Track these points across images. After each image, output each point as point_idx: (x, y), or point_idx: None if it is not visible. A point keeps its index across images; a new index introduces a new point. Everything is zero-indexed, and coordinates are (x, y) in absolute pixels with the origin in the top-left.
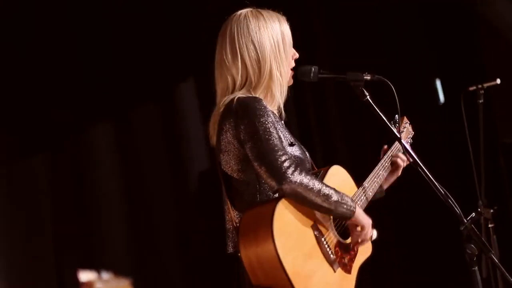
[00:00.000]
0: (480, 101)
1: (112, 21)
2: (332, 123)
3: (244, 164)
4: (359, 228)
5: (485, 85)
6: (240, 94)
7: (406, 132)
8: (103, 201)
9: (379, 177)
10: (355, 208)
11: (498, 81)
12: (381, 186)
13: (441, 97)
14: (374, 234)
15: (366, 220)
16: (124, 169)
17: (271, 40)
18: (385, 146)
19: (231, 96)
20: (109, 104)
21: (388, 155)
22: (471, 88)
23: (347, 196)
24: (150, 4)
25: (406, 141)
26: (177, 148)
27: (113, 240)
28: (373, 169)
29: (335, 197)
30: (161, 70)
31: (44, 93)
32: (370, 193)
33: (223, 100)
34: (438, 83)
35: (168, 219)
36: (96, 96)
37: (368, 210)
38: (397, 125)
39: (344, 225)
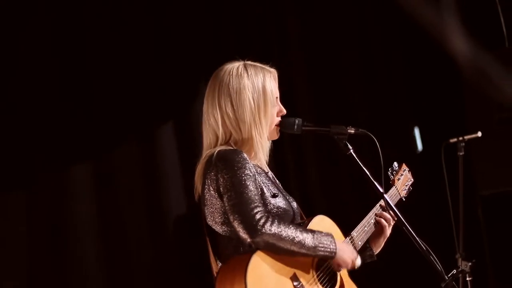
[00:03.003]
0: (461, 154)
1: (95, 60)
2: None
3: (227, 217)
4: (341, 267)
5: (466, 137)
6: (222, 147)
7: (403, 179)
8: (80, 241)
9: (369, 226)
10: (335, 248)
11: (479, 134)
12: (371, 250)
13: (419, 146)
14: (358, 262)
15: (347, 257)
16: (102, 210)
17: (251, 103)
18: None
19: (213, 150)
20: (88, 144)
21: (373, 211)
22: (452, 140)
23: (326, 236)
24: (133, 44)
25: (403, 189)
26: (155, 191)
27: (89, 280)
28: (362, 220)
29: (310, 242)
30: (141, 111)
31: (23, 131)
32: (360, 243)
33: (205, 154)
34: (417, 132)
35: (145, 261)
36: (76, 136)
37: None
38: (395, 172)
39: (330, 272)
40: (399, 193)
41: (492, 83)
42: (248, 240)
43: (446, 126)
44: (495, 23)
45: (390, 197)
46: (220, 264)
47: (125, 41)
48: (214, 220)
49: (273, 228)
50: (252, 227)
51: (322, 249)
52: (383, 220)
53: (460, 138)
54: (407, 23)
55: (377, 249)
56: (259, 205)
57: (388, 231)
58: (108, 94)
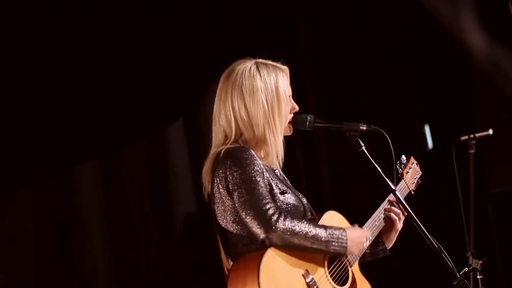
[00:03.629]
0: (472, 151)
1: (104, 59)
2: (321, 172)
3: (237, 215)
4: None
5: (477, 135)
6: (229, 145)
7: (412, 172)
8: (87, 239)
9: (380, 221)
10: (346, 241)
11: (491, 131)
12: (384, 244)
13: (430, 143)
14: (366, 244)
15: (361, 239)
16: (110, 208)
17: (265, 104)
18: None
19: (221, 148)
20: (97, 142)
21: (383, 205)
22: (463, 138)
23: (336, 229)
24: (141, 42)
25: (412, 182)
26: (164, 189)
27: (96, 277)
28: (372, 214)
29: (324, 237)
30: (150, 109)
31: (31, 129)
32: (370, 237)
33: (213, 152)
34: (427, 129)
35: (153, 259)
36: (84, 134)
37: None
38: (403, 165)
39: (342, 268)
40: (408, 186)
41: (506, 79)
42: (262, 236)
43: (457, 124)
44: (509, 19)
45: (399, 191)
46: (231, 263)
47: (133, 39)
48: (225, 218)
49: (286, 223)
50: (266, 222)
51: (335, 244)
52: (392, 214)
53: (471, 136)
54: (417, 19)
55: (389, 244)
56: (271, 200)
57: (400, 225)
58: (117, 92)
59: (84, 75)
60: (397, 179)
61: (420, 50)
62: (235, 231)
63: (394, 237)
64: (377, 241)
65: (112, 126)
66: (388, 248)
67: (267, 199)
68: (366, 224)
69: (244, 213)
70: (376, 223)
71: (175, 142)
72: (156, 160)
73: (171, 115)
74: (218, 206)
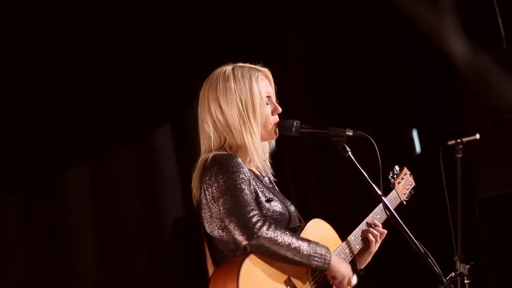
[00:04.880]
0: (459, 156)
1: (91, 63)
2: (308, 177)
3: (223, 222)
4: (336, 279)
5: (464, 140)
6: (217, 152)
7: (404, 182)
8: (76, 244)
9: (358, 243)
10: (330, 259)
11: (478, 136)
12: (355, 264)
13: (418, 148)
14: (354, 280)
15: (343, 269)
16: (99, 213)
17: (239, 104)
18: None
19: (208, 155)
20: (85, 147)
21: (365, 221)
22: (450, 143)
23: (321, 247)
24: (129, 48)
25: (404, 192)
26: (152, 194)
27: (85, 282)
28: (359, 224)
29: (306, 250)
30: (138, 115)
31: (20, 133)
32: (357, 247)
33: (200, 159)
34: (415, 134)
35: (141, 264)
36: (73, 138)
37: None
38: (396, 175)
39: (326, 280)
40: (399, 196)
41: (489, 85)
42: (244, 243)
43: (444, 129)
44: (493, 25)
45: (389, 201)
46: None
47: (121, 43)
48: (211, 225)
49: (269, 232)
50: (248, 229)
51: (317, 258)
52: (370, 236)
53: (458, 140)
54: (405, 25)
55: (361, 264)
56: (255, 208)
57: (375, 247)
58: (104, 97)
59: (73, 81)
60: (389, 189)
61: (408, 55)
62: (220, 237)
63: (367, 259)
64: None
65: (101, 131)
66: (360, 268)
67: (251, 206)
68: (353, 233)
69: (227, 220)
70: (355, 245)
71: (163, 147)
72: (144, 165)
73: (159, 120)
74: (205, 213)
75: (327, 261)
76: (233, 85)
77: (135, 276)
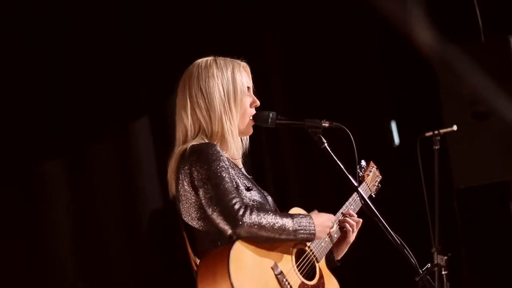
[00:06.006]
0: (436, 147)
1: (68, 55)
2: (286, 168)
3: (203, 211)
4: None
5: (442, 131)
6: (194, 142)
7: (372, 176)
8: (53, 238)
9: (336, 231)
10: (314, 228)
11: (455, 127)
12: (332, 254)
13: (396, 139)
14: (335, 227)
15: (327, 222)
16: (77, 207)
17: (220, 90)
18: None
19: (186, 145)
20: (62, 140)
21: (340, 211)
22: (428, 134)
23: (303, 217)
24: (107, 40)
25: (373, 185)
26: (130, 187)
27: (66, 277)
28: (336, 214)
29: (291, 226)
30: (116, 107)
31: None
32: (335, 235)
33: (177, 149)
34: (394, 125)
35: (120, 257)
36: (49, 132)
37: None
38: (363, 169)
39: (310, 266)
40: (369, 189)
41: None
42: (229, 231)
43: (421, 120)
44: (471, 17)
45: (354, 199)
46: (198, 260)
47: (100, 35)
48: (190, 216)
49: (253, 217)
50: (232, 217)
51: (302, 231)
52: (347, 225)
53: (436, 132)
54: (383, 17)
55: (338, 255)
56: (237, 195)
57: (352, 237)
58: (81, 89)
59: (50, 73)
60: (359, 182)
61: (386, 47)
62: (200, 228)
63: (345, 248)
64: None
65: (78, 124)
66: (337, 259)
67: (233, 194)
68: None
69: (210, 210)
70: (334, 235)
71: (141, 139)
72: (122, 157)
73: (138, 112)
74: (182, 204)
75: (312, 231)
76: (215, 72)
77: (114, 268)
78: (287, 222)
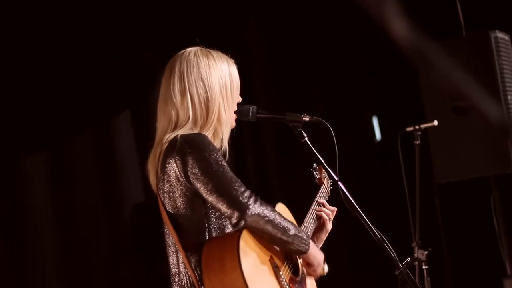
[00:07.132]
0: (417, 142)
1: (49, 48)
2: (268, 162)
3: (191, 202)
4: (311, 267)
5: (423, 126)
6: (181, 131)
7: (327, 178)
8: (34, 233)
9: (313, 217)
10: (309, 244)
11: (436, 122)
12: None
13: (378, 135)
14: (326, 268)
15: (319, 257)
16: (58, 200)
17: (220, 81)
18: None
19: (174, 134)
20: (42, 133)
21: (313, 206)
22: (409, 129)
23: (301, 230)
24: (87, 32)
25: (329, 185)
26: (112, 181)
27: (45, 270)
28: (309, 209)
29: (293, 231)
30: (97, 100)
31: None
32: (310, 233)
33: (165, 138)
34: (375, 121)
35: (101, 251)
36: (29, 125)
37: None
38: (317, 172)
39: (294, 263)
40: (328, 191)
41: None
42: (237, 218)
43: (402, 115)
44: (453, 13)
45: (322, 194)
46: (185, 253)
47: (80, 27)
48: (176, 208)
49: (262, 207)
50: (242, 205)
51: (298, 241)
52: (324, 214)
53: (417, 127)
54: (364, 12)
55: (319, 244)
56: (241, 183)
57: (329, 225)
58: (62, 82)
59: (30, 66)
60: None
61: (367, 42)
62: (186, 219)
63: (324, 237)
64: None
65: (58, 117)
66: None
67: (239, 181)
68: (305, 220)
69: (215, 198)
70: (311, 220)
71: (122, 132)
72: (103, 151)
73: (119, 106)
74: (168, 194)
75: (307, 247)
76: (214, 63)
77: (96, 262)
78: (290, 226)
